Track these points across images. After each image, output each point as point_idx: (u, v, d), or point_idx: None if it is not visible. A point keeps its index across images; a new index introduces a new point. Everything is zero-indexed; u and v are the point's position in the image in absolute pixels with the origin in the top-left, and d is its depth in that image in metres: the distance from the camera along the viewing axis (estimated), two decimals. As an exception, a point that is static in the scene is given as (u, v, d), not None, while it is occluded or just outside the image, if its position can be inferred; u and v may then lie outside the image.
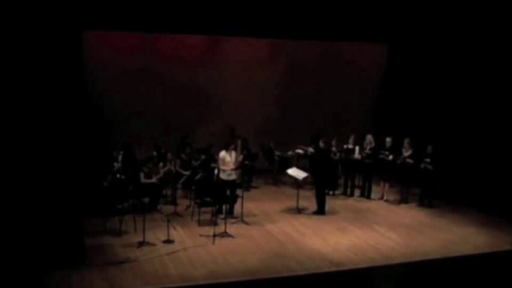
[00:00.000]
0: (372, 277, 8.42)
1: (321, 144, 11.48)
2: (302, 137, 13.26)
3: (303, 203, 11.48)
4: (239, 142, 11.84)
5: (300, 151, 13.18)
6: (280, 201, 12.03)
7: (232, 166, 10.71)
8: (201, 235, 9.53)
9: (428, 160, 11.63)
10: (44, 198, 7.71)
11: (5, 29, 7.31)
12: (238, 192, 10.75)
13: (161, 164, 11.39)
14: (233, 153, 10.84)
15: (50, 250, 7.73)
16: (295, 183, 12.20)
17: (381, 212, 11.55)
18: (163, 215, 10.18)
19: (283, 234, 9.84)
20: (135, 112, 13.21)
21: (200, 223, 10.16)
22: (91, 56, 10.85)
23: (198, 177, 10.80)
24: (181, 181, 11.57)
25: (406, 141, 12.05)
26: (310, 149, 12.61)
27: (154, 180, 10.89)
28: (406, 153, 11.97)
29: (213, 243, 9.16)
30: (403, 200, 12.21)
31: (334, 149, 12.50)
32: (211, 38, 13.86)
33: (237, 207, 10.65)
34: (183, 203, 11.30)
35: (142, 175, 10.82)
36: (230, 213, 10.62)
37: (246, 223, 10.31)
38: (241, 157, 11.77)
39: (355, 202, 12.33)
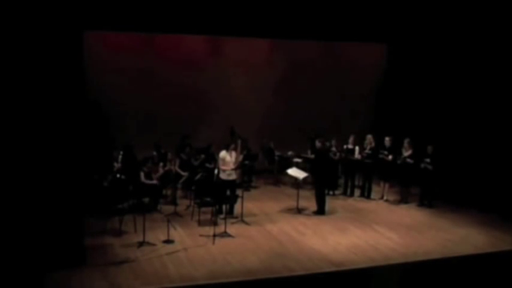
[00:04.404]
0: (371, 277, 8.41)
1: (317, 144, 11.48)
2: (302, 137, 13.27)
3: (303, 203, 11.48)
4: (239, 142, 11.84)
5: (299, 160, 13.14)
6: (280, 201, 12.03)
7: (232, 166, 10.71)
8: (201, 235, 9.53)
9: (428, 160, 11.63)
10: (44, 198, 7.71)
11: (5, 29, 7.31)
12: (238, 192, 10.75)
13: (161, 164, 11.41)
14: (233, 153, 10.85)
15: (50, 250, 7.73)
16: (295, 183, 12.20)
17: (381, 212, 11.55)
18: (163, 215, 10.21)
19: (283, 234, 9.84)
20: (135, 112, 13.23)
21: (200, 223, 10.16)
22: (91, 56, 10.85)
23: (198, 177, 10.80)
24: (181, 181, 11.58)
25: (406, 141, 12.05)
26: (311, 155, 12.61)
27: (155, 181, 10.90)
28: (406, 153, 11.97)
29: (213, 243, 9.16)
30: (403, 200, 12.21)
31: (334, 149, 12.51)
32: (212, 37, 13.88)
33: (237, 207, 10.65)
34: (183, 203, 11.31)
35: (142, 175, 10.83)
36: (230, 213, 10.61)
37: (246, 223, 10.31)
38: (241, 157, 11.78)
39: (355, 202, 12.33)
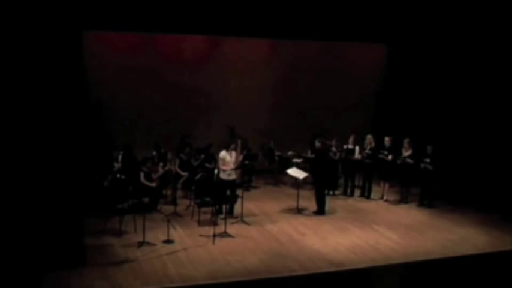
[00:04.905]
0: (371, 277, 8.41)
1: (317, 143, 11.48)
2: (302, 137, 13.27)
3: (303, 203, 11.48)
4: (239, 142, 11.84)
5: (298, 160, 13.12)
6: (280, 201, 12.03)
7: (232, 166, 10.71)
8: (201, 235, 9.53)
9: (428, 160, 11.62)
10: (44, 198, 7.71)
11: (5, 30, 7.31)
12: (238, 192, 10.75)
13: (161, 164, 11.41)
14: (233, 153, 10.85)
15: (50, 250, 7.73)
16: (295, 183, 12.20)
17: (381, 212, 11.54)
18: (163, 215, 10.21)
19: (283, 234, 9.84)
20: (135, 112, 13.24)
21: (200, 223, 10.16)
22: (91, 56, 10.85)
23: (198, 177, 10.80)
24: (181, 181, 11.58)
25: (406, 141, 12.05)
26: (311, 155, 12.60)
27: (153, 184, 10.90)
28: (406, 153, 11.96)
29: (213, 243, 9.16)
30: (403, 200, 12.21)
31: (334, 149, 12.51)
32: (212, 37, 13.89)
33: (237, 207, 10.65)
34: (183, 203, 11.31)
35: (142, 175, 10.84)
36: (230, 213, 10.61)
37: (246, 223, 10.31)
38: (241, 157, 11.78)
39: (355, 202, 12.32)
